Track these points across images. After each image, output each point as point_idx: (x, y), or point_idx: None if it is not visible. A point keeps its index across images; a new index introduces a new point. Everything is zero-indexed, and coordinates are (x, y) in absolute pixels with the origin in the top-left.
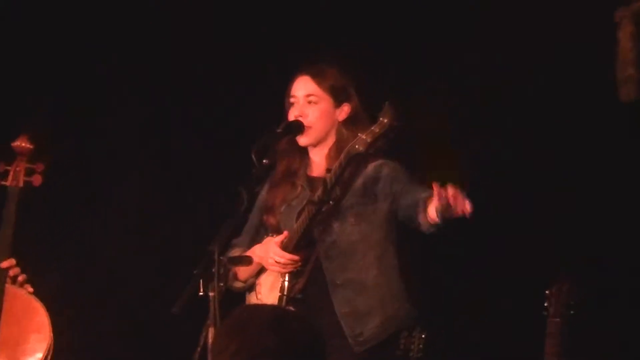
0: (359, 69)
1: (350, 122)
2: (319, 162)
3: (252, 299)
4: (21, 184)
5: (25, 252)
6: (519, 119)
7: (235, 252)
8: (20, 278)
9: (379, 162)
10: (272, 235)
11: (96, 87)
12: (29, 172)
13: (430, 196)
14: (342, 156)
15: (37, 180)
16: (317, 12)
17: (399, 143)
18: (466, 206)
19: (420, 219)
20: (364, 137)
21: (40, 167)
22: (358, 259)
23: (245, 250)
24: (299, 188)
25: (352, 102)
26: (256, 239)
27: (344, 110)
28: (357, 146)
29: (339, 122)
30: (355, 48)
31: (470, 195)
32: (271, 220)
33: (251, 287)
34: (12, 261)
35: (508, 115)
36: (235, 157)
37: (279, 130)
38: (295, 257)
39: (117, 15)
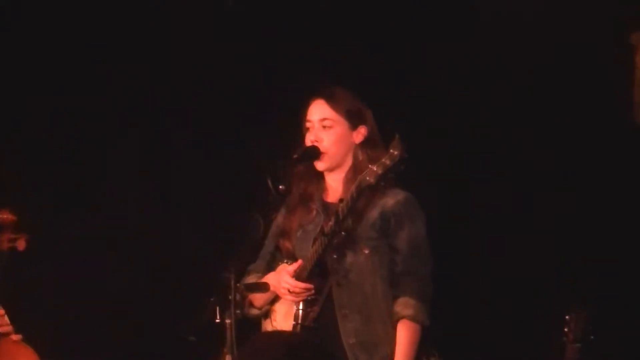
0: (373, 90)
1: (367, 145)
2: (335, 187)
3: (268, 325)
4: (5, 248)
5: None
6: (518, 119)
7: (251, 279)
8: (3, 329)
9: (396, 194)
10: (286, 262)
11: (94, 103)
12: (13, 240)
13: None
14: (353, 188)
15: (21, 245)
16: (317, 12)
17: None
18: None
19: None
20: (374, 168)
21: (23, 237)
22: (367, 290)
23: (261, 277)
24: (314, 212)
25: (368, 124)
26: (272, 265)
27: (361, 133)
28: (367, 178)
29: (356, 145)
30: (350, 49)
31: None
32: (287, 245)
33: (266, 314)
34: (1, 311)
35: (508, 115)
36: (248, 181)
37: (295, 157)
38: (309, 286)
39: (108, 32)
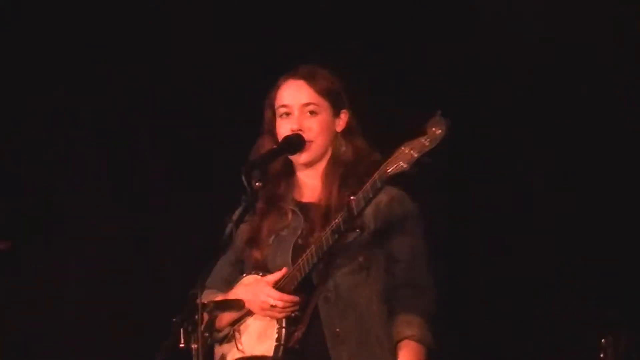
0: (350, 70)
1: (350, 133)
2: (312, 184)
3: (230, 351)
4: None
5: None
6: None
7: (208, 295)
8: None
9: (389, 191)
10: (256, 273)
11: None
12: None
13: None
14: (376, 175)
15: None
16: (316, 13)
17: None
18: None
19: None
20: (408, 151)
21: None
22: (362, 307)
23: (220, 293)
24: (289, 214)
25: (349, 109)
26: (229, 280)
27: (342, 119)
28: (400, 162)
29: (337, 133)
30: (350, 49)
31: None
32: (255, 254)
33: (225, 338)
34: None
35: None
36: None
37: (274, 148)
38: (296, 299)
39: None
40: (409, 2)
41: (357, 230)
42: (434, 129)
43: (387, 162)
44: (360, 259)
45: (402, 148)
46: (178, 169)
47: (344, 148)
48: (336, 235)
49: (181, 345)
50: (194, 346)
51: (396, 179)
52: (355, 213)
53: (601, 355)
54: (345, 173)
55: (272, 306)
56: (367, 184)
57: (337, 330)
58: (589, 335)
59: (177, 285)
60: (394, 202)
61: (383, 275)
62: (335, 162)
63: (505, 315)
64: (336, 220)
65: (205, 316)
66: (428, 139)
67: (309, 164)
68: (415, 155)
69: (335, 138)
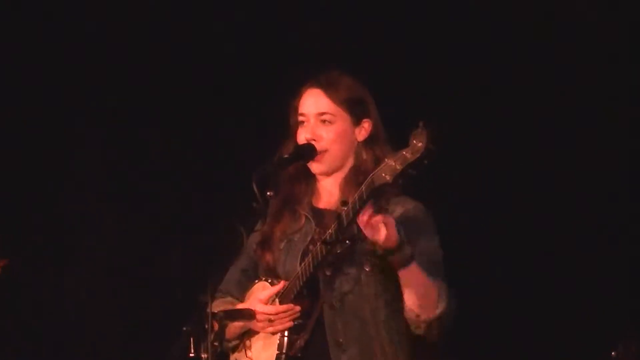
0: (375, 75)
1: (372, 143)
2: (330, 190)
3: (241, 359)
4: None
5: None
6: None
7: (219, 304)
8: None
9: (404, 203)
10: (264, 279)
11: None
12: None
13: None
14: (363, 186)
15: None
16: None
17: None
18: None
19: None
20: (391, 163)
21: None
22: (367, 317)
23: (234, 299)
24: (302, 219)
25: (372, 118)
26: (244, 284)
27: (364, 128)
28: (383, 174)
29: (359, 142)
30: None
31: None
32: (267, 257)
33: (237, 346)
34: None
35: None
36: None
37: (286, 157)
38: (294, 308)
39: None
40: (410, 2)
41: (347, 242)
42: (415, 141)
43: (373, 173)
44: (368, 268)
45: (387, 160)
46: (183, 174)
47: (365, 157)
48: (328, 247)
49: (191, 354)
50: (204, 356)
51: (382, 191)
52: (345, 224)
53: None
54: (363, 182)
55: (271, 321)
56: (355, 196)
57: (340, 340)
58: (599, 346)
59: (182, 297)
60: (407, 213)
61: (392, 286)
62: (357, 172)
63: (514, 326)
64: (329, 231)
65: (216, 325)
66: (409, 152)
67: (324, 173)
68: (398, 167)
69: (357, 147)
